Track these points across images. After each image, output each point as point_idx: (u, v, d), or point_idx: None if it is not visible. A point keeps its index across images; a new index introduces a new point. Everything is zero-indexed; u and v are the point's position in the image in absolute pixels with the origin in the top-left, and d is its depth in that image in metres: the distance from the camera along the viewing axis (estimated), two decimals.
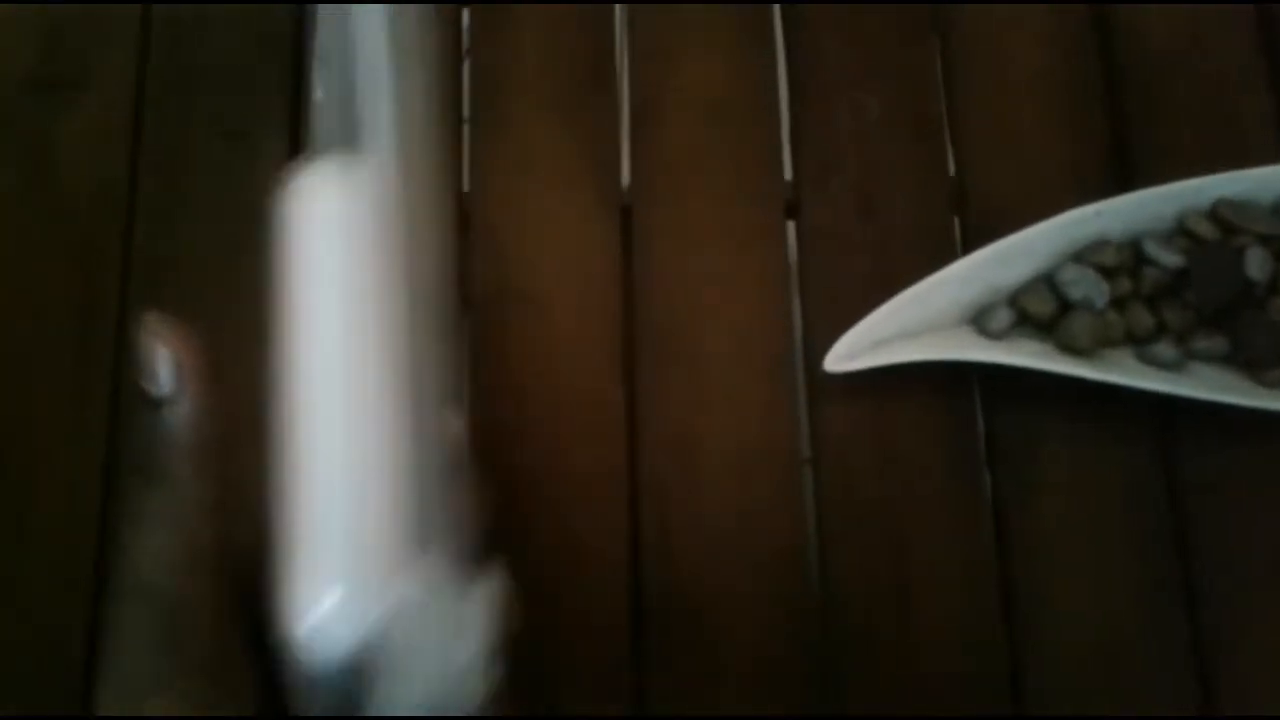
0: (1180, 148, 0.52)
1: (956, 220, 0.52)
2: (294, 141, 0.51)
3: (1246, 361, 0.47)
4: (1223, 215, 0.47)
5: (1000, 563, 0.47)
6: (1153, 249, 0.47)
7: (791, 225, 0.52)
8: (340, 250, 0.31)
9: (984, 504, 0.48)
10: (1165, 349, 0.46)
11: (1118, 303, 0.47)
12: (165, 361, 0.30)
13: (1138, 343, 0.47)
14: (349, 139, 0.32)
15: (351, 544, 0.29)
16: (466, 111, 0.53)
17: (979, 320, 0.47)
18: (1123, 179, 0.51)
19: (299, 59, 0.52)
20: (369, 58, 0.32)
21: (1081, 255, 0.47)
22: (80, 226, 0.49)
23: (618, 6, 0.55)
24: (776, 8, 0.55)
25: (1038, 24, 0.54)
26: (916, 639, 0.46)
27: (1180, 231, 0.47)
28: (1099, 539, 0.47)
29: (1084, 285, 0.47)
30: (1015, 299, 0.47)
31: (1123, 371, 0.46)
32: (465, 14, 0.54)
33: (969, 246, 0.50)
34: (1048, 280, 0.47)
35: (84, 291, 0.48)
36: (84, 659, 0.43)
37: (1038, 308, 0.47)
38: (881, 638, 0.46)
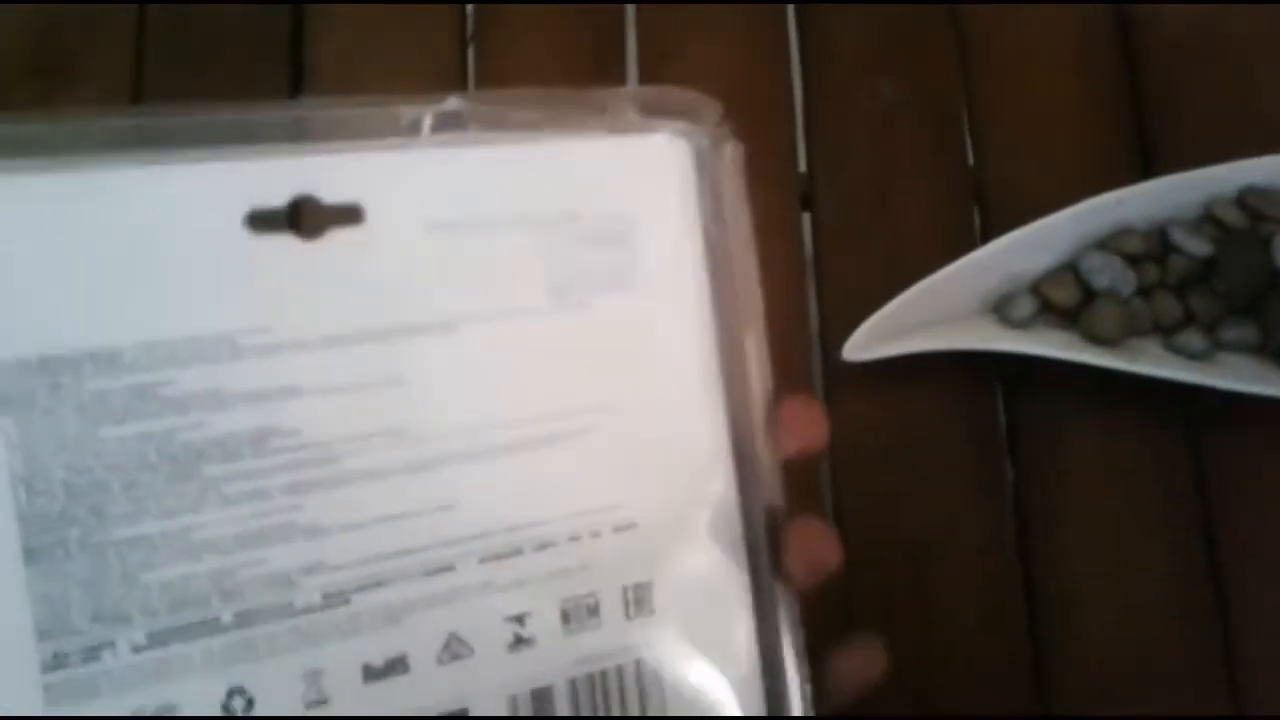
0: (1202, 135, 0.51)
1: (975, 210, 0.51)
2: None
3: (1276, 351, 0.45)
4: (1250, 202, 0.46)
5: (1023, 556, 0.46)
6: (1179, 236, 0.46)
7: (807, 216, 0.51)
8: None
9: (1006, 497, 0.46)
10: (1193, 338, 0.45)
11: (1144, 291, 0.46)
12: None
13: (1165, 332, 0.46)
14: None
15: None
16: None
17: (1001, 309, 0.46)
18: (1145, 168, 0.50)
19: (297, 57, 0.52)
20: None
21: (1106, 243, 0.46)
22: None
23: None
24: None
25: (1056, 10, 0.53)
26: (938, 634, 0.44)
27: (1207, 219, 0.46)
28: (1125, 532, 0.46)
29: (1109, 273, 0.45)
30: (1038, 287, 0.46)
31: (1149, 361, 0.45)
32: (469, 7, 0.53)
33: (989, 237, 0.49)
34: (1071, 268, 0.46)
35: None
36: None
37: (1061, 296, 0.46)
38: (902, 633, 0.44)
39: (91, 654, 0.25)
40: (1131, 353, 0.45)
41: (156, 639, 0.25)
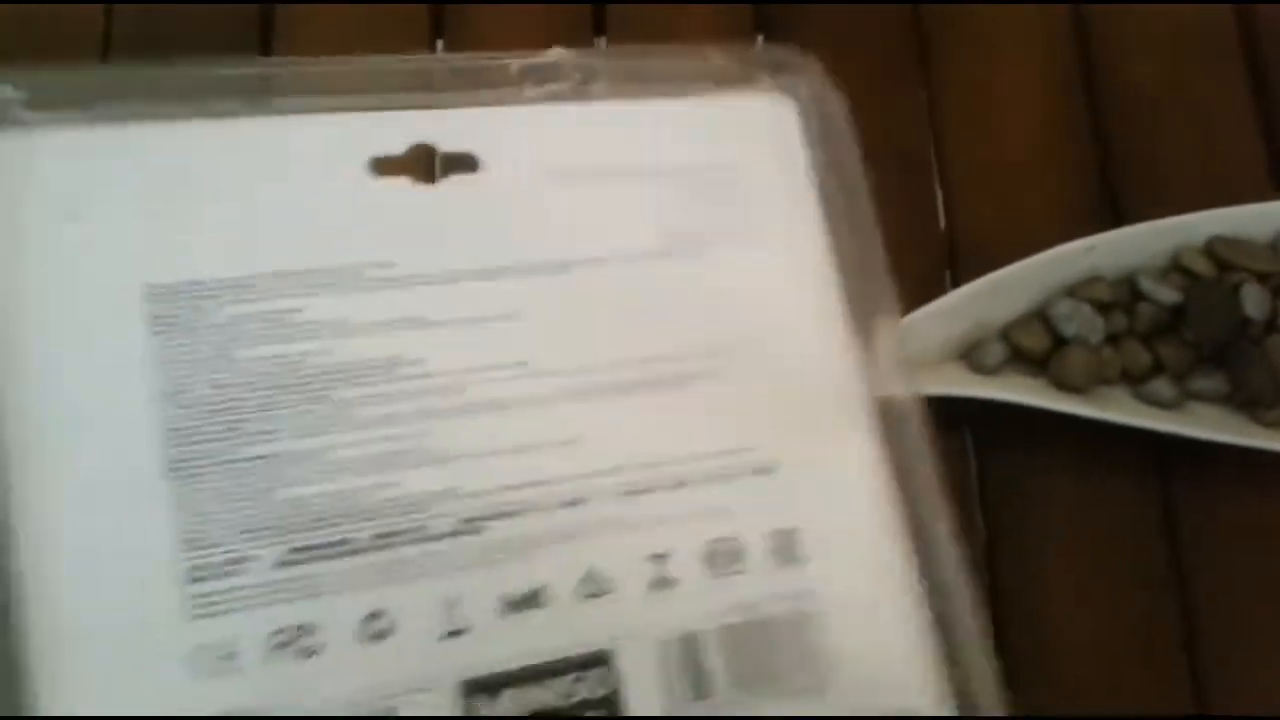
0: (1170, 190, 0.51)
1: (945, 260, 0.51)
2: None
3: (1245, 401, 0.45)
4: (1218, 252, 0.46)
5: (992, 603, 0.45)
6: (1148, 285, 0.46)
7: None
8: None
9: (976, 544, 0.46)
10: (1162, 387, 0.45)
11: (1112, 339, 0.46)
12: None
13: (1134, 380, 0.46)
14: None
15: None
16: None
17: (971, 355, 0.46)
18: (1113, 221, 0.51)
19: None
20: None
21: (1075, 290, 0.46)
22: None
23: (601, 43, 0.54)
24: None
25: (1026, 62, 0.54)
26: None
27: (1175, 268, 0.46)
28: (1094, 578, 0.45)
29: (1078, 320, 0.45)
30: (1007, 333, 0.46)
31: (1119, 409, 0.44)
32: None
33: (958, 284, 0.49)
34: (1040, 315, 0.46)
35: None
36: None
37: (1031, 342, 0.45)
38: None
39: (232, 568, 0.25)
40: (1101, 400, 0.45)
41: (295, 556, 0.26)
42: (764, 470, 0.30)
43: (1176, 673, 0.44)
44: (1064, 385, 0.45)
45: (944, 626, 0.30)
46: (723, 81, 0.31)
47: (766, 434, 0.30)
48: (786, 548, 0.29)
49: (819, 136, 0.33)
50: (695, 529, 0.29)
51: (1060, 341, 0.45)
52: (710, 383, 0.30)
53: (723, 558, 0.29)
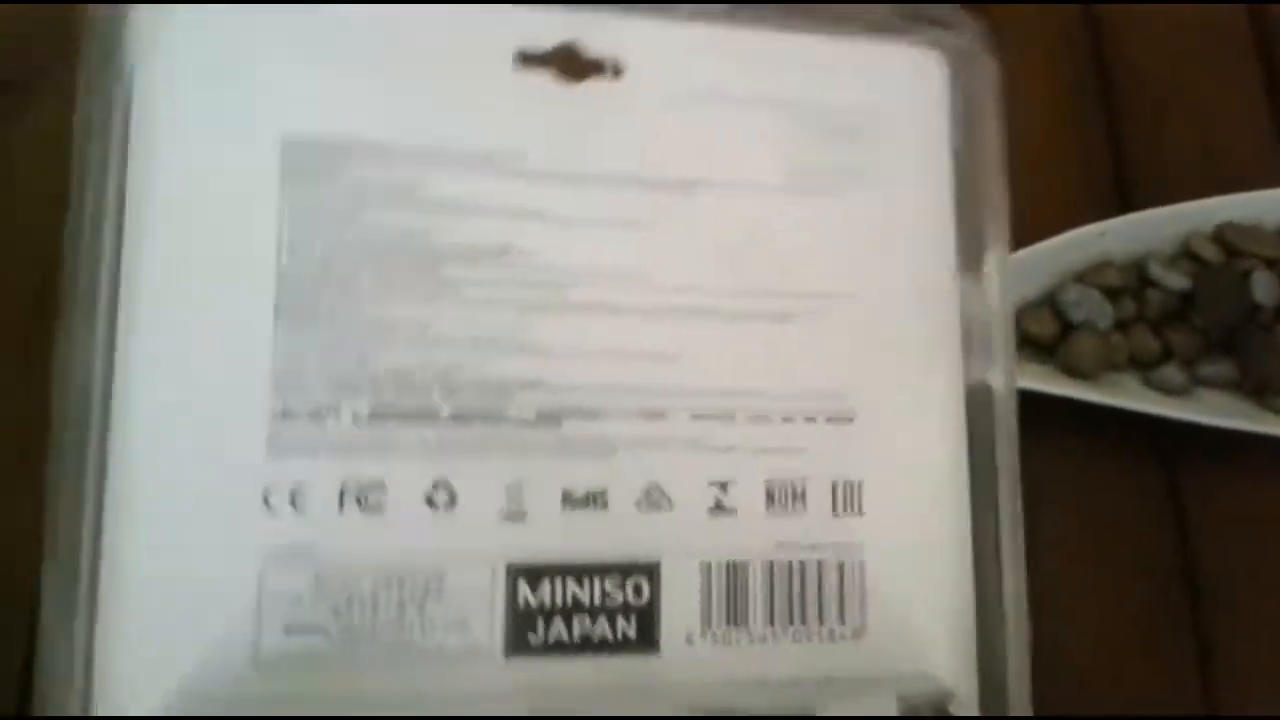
0: (1180, 190, 0.51)
1: None
2: None
3: (1254, 387, 0.45)
4: (1227, 238, 0.46)
5: None
6: (1157, 271, 0.46)
7: None
8: None
9: None
10: (1171, 373, 0.45)
11: (1121, 325, 0.46)
12: None
13: (1143, 367, 0.46)
14: None
15: None
16: None
17: None
18: (1122, 211, 0.51)
19: None
20: None
21: (1084, 276, 0.46)
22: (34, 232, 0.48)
23: None
24: None
25: (1040, 58, 0.54)
26: None
27: (1184, 254, 0.46)
28: (1100, 565, 0.45)
29: (1087, 306, 0.45)
30: (1016, 319, 0.46)
31: (1128, 395, 0.44)
32: None
33: None
34: (1049, 300, 0.46)
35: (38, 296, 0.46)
36: None
37: (1039, 328, 0.45)
38: None
39: (317, 415, 0.26)
40: (1110, 386, 0.45)
41: (378, 415, 0.27)
42: (844, 418, 0.30)
43: (1183, 661, 0.44)
44: (1072, 371, 0.45)
45: (986, 608, 0.30)
46: (875, 28, 0.31)
47: (854, 383, 0.30)
48: (848, 498, 0.30)
49: (965, 95, 0.32)
50: (764, 464, 0.29)
51: (1069, 327, 0.45)
52: (810, 323, 0.30)
53: (785, 496, 0.29)
